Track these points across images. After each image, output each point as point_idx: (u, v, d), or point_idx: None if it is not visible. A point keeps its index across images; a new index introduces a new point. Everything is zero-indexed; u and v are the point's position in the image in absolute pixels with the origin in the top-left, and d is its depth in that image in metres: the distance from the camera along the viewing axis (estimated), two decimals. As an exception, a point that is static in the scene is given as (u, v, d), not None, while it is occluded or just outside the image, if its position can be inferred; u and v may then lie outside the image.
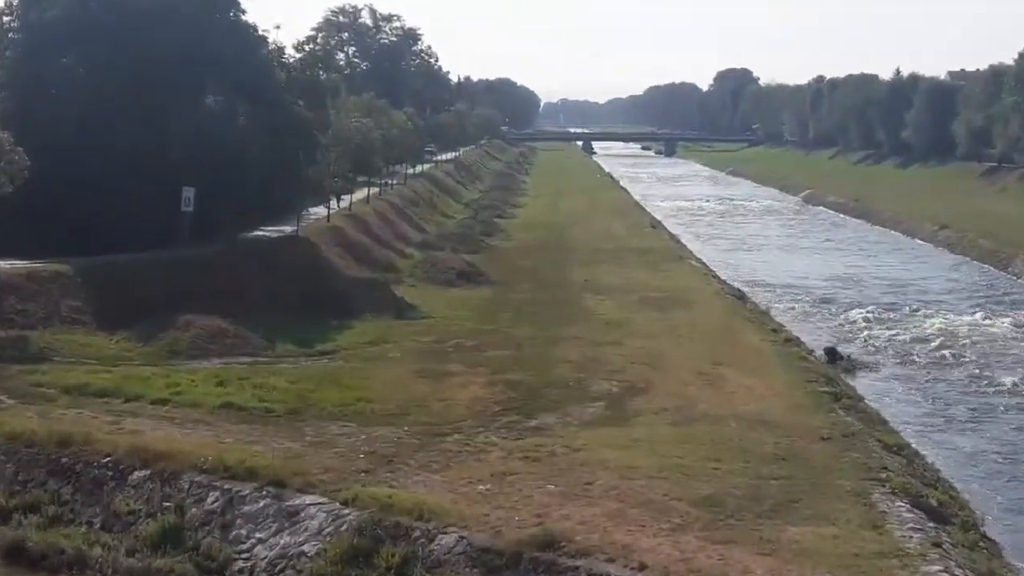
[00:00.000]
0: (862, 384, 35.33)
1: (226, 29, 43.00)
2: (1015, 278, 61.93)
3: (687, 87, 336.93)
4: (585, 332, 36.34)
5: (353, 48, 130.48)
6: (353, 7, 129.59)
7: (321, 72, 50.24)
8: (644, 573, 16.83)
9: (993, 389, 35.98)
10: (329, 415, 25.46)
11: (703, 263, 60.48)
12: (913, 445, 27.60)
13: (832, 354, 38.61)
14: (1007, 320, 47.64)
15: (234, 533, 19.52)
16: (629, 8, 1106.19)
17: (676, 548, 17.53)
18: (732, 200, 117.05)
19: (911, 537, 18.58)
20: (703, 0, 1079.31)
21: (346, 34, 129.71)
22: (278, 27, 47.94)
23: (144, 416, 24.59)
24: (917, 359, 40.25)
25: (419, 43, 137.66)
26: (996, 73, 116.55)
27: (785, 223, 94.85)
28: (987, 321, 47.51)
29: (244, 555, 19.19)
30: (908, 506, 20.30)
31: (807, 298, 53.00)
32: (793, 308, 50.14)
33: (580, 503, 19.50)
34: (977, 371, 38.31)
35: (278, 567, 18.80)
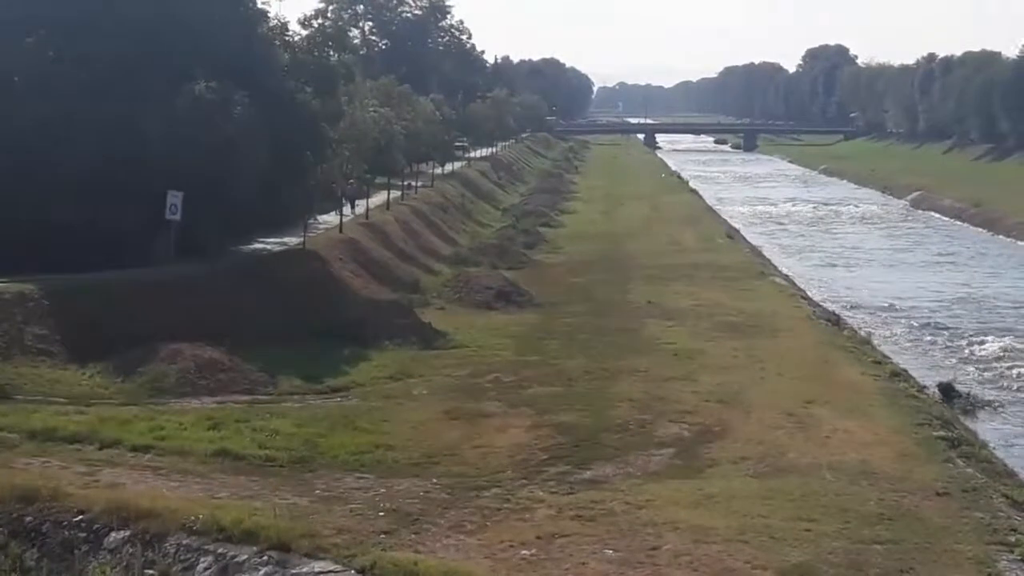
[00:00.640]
0: (985, 428, 35.04)
1: (218, 1, 43.31)
2: None
3: (770, 68, 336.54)
4: (649, 364, 36.30)
5: (370, 23, 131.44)
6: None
7: (332, 53, 50.43)
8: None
9: None
10: (342, 465, 25.51)
11: (790, 281, 60.33)
12: (1048, 502, 27.38)
13: (948, 391, 38.32)
14: None
15: (230, 606, 19.58)
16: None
17: (760, 627, 17.48)
18: (826, 204, 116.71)
19: (1046, 615, 18.46)
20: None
21: (362, 7, 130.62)
22: (281, -1, 48.38)
23: (123, 466, 24.70)
24: (1053, 398, 39.93)
25: (448, 17, 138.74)
26: None
27: (889, 232, 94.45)
28: None
29: (241, 633, 19.23)
30: (1042, 577, 20.15)
31: (917, 324, 52.70)
32: (900, 336, 49.87)
33: (644, 572, 19.44)
34: None
35: (282, 647, 18.85)
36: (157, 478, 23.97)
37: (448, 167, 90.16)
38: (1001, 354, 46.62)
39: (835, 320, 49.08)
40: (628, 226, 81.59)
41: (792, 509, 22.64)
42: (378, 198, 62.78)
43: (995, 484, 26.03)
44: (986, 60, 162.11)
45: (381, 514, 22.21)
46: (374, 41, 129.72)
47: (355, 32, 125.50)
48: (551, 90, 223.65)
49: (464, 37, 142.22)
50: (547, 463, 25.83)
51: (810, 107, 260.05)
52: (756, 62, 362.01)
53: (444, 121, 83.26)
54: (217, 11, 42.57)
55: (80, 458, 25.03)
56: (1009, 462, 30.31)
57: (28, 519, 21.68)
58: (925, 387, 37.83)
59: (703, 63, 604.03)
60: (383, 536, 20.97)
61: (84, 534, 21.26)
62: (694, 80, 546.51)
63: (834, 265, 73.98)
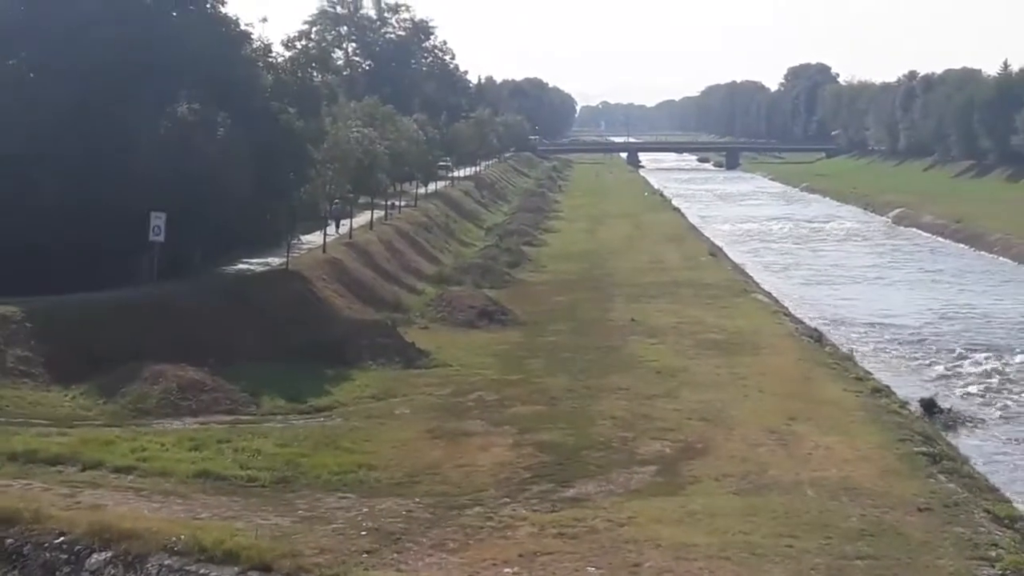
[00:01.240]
0: (967, 444, 35.05)
1: (201, 23, 43.34)
2: None
3: (752, 86, 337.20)
4: (632, 382, 36.35)
5: (354, 44, 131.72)
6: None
7: (315, 74, 50.49)
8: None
9: None
10: (324, 485, 25.50)
11: (773, 298, 60.39)
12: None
13: (930, 407, 38.36)
14: None
15: (211, 627, 19.51)
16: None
17: (742, 644, 17.47)
18: (808, 222, 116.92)
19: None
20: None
21: (345, 28, 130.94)
22: (264, 20, 48.49)
23: (105, 487, 24.65)
24: (1034, 414, 39.97)
25: (432, 38, 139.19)
26: None
27: (872, 249, 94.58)
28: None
29: (223, 654, 19.17)
30: (1023, 591, 20.18)
31: (899, 340, 52.74)
32: (882, 352, 49.89)
33: (626, 590, 19.45)
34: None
35: (264, 668, 18.78)
36: (139, 499, 23.93)
37: (431, 187, 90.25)
38: (983, 370, 46.66)
39: (817, 337, 49.13)
40: (611, 245, 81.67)
41: (774, 526, 22.67)
42: (361, 218, 62.79)
43: (977, 499, 26.07)
44: (967, 78, 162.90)
45: (363, 533, 22.21)
46: (357, 62, 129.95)
47: (339, 53, 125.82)
48: (534, 109, 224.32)
49: (447, 57, 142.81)
50: (530, 481, 25.84)
51: (792, 125, 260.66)
52: (738, 80, 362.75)
53: (427, 141, 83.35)
54: (200, 33, 42.56)
55: (62, 480, 24.97)
56: (991, 477, 30.30)
57: (9, 541, 21.60)
58: (907, 403, 37.85)
59: (685, 82, 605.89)
60: (365, 555, 20.96)
61: (66, 556, 21.19)
62: (676, 99, 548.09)
63: (817, 282, 73.98)
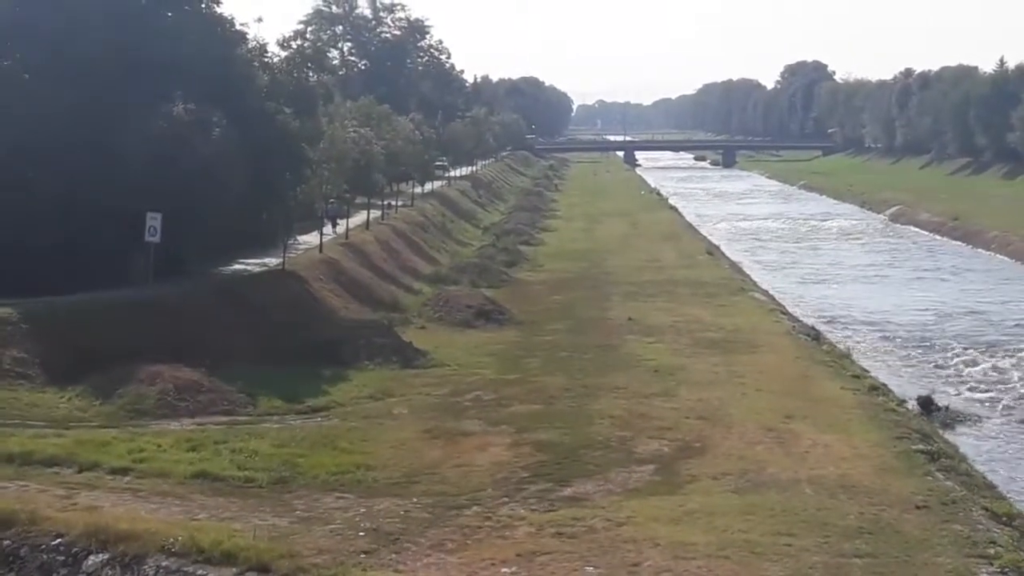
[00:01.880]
0: (965, 441, 35.07)
1: (196, 23, 43.34)
2: None
3: (748, 84, 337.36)
4: (629, 381, 36.34)
5: (349, 44, 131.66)
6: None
7: (311, 73, 50.50)
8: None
9: None
10: (322, 485, 25.48)
11: (770, 297, 60.40)
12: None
13: (927, 405, 38.37)
14: None
15: (209, 628, 19.50)
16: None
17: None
18: (805, 220, 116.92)
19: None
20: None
21: (340, 27, 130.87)
22: (260, 20, 48.45)
23: (102, 489, 24.63)
24: (1032, 411, 39.98)
25: (427, 37, 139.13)
26: None
27: (869, 247, 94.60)
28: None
29: (221, 655, 19.16)
30: (1021, 588, 20.18)
31: (896, 338, 52.75)
32: (879, 350, 49.93)
33: (625, 589, 19.43)
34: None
35: (262, 669, 18.76)
36: (136, 500, 23.91)
37: (428, 186, 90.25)
38: (981, 368, 46.68)
39: (815, 335, 49.12)
40: (608, 243, 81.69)
41: (772, 524, 22.66)
42: (358, 218, 62.74)
43: (974, 497, 26.07)
44: (963, 75, 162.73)
45: (361, 534, 22.19)
46: (353, 62, 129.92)
47: (334, 53, 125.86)
48: (531, 108, 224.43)
49: (443, 57, 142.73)
50: (528, 481, 25.82)
51: (788, 123, 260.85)
52: (734, 79, 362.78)
53: (423, 140, 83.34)
54: (195, 33, 42.56)
55: (58, 481, 24.94)
56: (988, 475, 30.34)
57: (6, 543, 21.57)
58: (905, 401, 37.86)
59: (682, 80, 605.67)
60: (363, 556, 20.95)
61: (63, 557, 21.17)
62: (673, 97, 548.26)
63: (814, 280, 74.01)
